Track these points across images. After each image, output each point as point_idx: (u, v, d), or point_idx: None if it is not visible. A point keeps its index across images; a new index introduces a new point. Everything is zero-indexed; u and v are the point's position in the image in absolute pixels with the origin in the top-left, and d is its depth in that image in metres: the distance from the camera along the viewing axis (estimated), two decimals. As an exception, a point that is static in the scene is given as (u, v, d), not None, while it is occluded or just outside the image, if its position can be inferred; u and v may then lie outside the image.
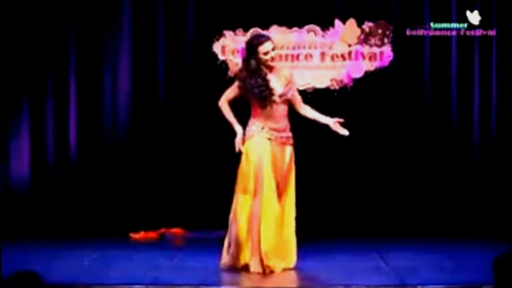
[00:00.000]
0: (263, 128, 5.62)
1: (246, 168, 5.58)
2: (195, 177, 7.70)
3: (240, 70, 5.84)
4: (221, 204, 6.51)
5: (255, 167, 5.55)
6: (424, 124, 7.73)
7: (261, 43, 5.63)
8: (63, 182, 7.75)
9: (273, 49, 5.65)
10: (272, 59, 5.66)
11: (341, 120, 5.74)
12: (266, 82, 5.59)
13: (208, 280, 5.26)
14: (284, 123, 5.69)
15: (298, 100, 5.81)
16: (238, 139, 5.65)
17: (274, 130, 5.63)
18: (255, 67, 5.61)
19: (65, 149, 7.76)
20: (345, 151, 7.69)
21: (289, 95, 5.66)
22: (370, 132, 7.71)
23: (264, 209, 5.49)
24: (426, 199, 7.67)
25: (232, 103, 5.78)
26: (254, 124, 5.65)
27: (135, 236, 7.41)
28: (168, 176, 7.74)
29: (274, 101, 5.60)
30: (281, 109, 5.66)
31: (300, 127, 7.02)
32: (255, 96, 5.59)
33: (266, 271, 5.46)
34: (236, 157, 5.83)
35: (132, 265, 5.84)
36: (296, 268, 5.63)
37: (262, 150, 5.56)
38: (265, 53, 5.60)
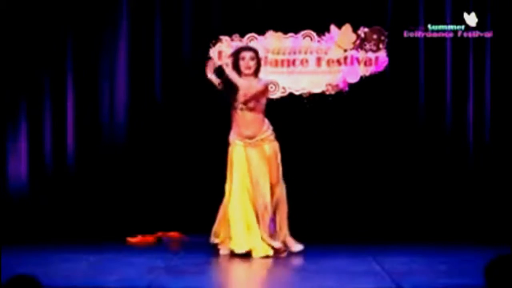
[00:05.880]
0: (237, 136, 6.16)
1: (229, 169, 6.27)
2: (192, 181, 7.71)
3: (226, 65, 6.33)
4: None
5: (233, 170, 6.23)
6: (419, 129, 7.75)
7: (243, 49, 6.30)
8: (60, 184, 7.76)
9: (252, 59, 6.18)
10: (248, 68, 6.16)
11: None
12: (233, 84, 6.09)
13: (204, 284, 5.28)
14: (254, 129, 6.12)
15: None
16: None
17: (246, 137, 6.15)
18: (233, 68, 6.16)
19: (63, 151, 7.75)
20: (341, 155, 7.73)
21: (250, 104, 6.10)
22: (366, 136, 7.74)
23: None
24: (421, 203, 7.67)
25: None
26: (233, 132, 6.20)
27: (132, 240, 7.41)
28: (165, 180, 7.76)
29: (237, 107, 6.12)
30: (249, 117, 6.13)
31: (296, 131, 7.05)
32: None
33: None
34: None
35: (129, 268, 5.84)
36: (291, 271, 5.65)
37: (239, 157, 6.15)
38: (242, 58, 6.17)
